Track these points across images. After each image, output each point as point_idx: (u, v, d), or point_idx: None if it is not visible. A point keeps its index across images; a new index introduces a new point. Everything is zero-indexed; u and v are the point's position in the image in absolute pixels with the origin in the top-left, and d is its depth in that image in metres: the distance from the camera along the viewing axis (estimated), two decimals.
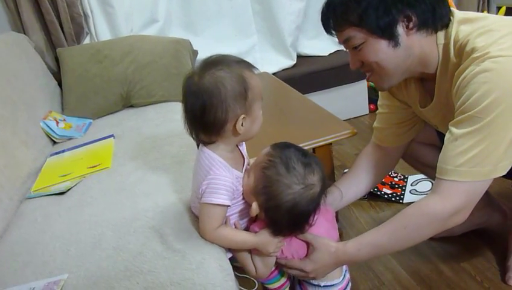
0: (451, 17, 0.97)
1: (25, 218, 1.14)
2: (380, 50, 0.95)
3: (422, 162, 1.39)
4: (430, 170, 1.42)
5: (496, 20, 0.95)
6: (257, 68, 0.90)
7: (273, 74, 2.36)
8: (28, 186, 1.32)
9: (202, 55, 2.18)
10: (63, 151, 1.55)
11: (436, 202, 0.93)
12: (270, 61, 2.48)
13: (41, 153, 1.52)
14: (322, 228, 0.99)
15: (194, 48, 2.12)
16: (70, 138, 1.69)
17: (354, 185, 1.26)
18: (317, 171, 0.89)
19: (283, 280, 1.06)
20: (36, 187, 1.31)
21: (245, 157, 0.97)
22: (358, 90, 2.55)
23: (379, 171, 1.28)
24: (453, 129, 0.93)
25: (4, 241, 1.06)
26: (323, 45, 2.58)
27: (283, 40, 2.49)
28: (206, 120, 0.85)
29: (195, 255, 0.89)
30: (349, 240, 1.00)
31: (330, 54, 2.58)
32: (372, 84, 2.55)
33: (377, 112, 1.30)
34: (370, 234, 1.00)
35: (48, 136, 1.65)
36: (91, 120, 1.84)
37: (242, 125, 0.86)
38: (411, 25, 0.94)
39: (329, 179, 1.48)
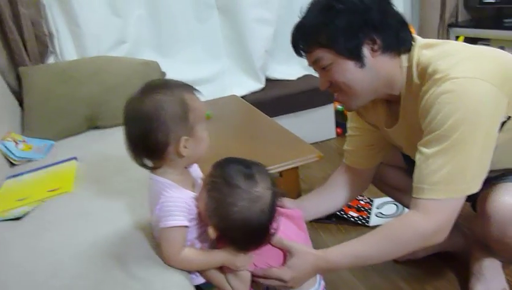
0: (414, 42, 1.03)
1: None
2: (348, 70, 0.99)
3: (388, 183, 1.42)
4: (395, 192, 1.46)
5: (455, 45, 1.01)
6: (199, 91, 0.92)
7: (242, 96, 2.38)
8: None
9: (171, 77, 2.17)
10: (22, 174, 1.49)
11: (419, 217, 0.96)
12: (240, 84, 2.50)
13: None
14: (290, 231, 0.99)
15: (163, 70, 2.11)
16: (30, 160, 1.62)
17: (326, 200, 1.28)
18: (261, 179, 0.87)
19: None
20: None
21: (197, 178, 0.97)
22: (326, 114, 2.59)
23: (351, 190, 1.30)
24: (423, 149, 0.96)
25: None
26: (292, 69, 2.63)
27: (252, 64, 2.52)
28: (148, 145, 0.85)
29: (158, 282, 0.86)
30: (329, 248, 1.01)
31: (299, 78, 2.63)
32: (340, 107, 2.61)
33: (347, 134, 1.33)
34: (353, 245, 1.01)
35: (6, 157, 1.58)
36: (53, 142, 1.78)
37: (185, 147, 0.86)
38: (376, 47, 0.99)
39: None
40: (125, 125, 0.87)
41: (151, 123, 0.83)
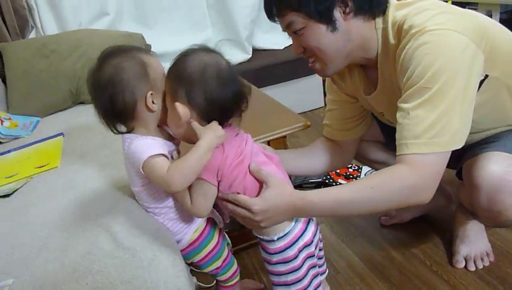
0: (388, 4, 1.02)
1: None
2: (320, 34, 0.98)
3: (370, 158, 1.44)
4: (378, 165, 1.47)
5: (430, 2, 1.00)
6: (154, 52, 0.95)
7: None
8: None
9: (155, 49, 2.14)
10: (9, 151, 1.48)
11: (406, 170, 0.91)
12: (225, 55, 2.43)
13: None
14: (269, 167, 0.96)
15: (147, 42, 2.08)
16: (16, 137, 1.61)
17: (305, 160, 1.28)
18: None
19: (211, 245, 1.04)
20: None
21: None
22: (313, 83, 2.58)
23: (331, 160, 1.30)
24: (403, 105, 0.94)
25: None
26: (279, 38, 2.60)
27: (238, 34, 2.48)
28: (117, 108, 0.88)
29: (146, 252, 0.88)
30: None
31: (285, 47, 2.60)
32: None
33: (326, 109, 1.33)
34: (335, 188, 0.96)
35: None
36: (39, 118, 1.76)
37: (153, 102, 0.90)
38: (348, 10, 0.97)
39: None
40: (93, 97, 0.91)
41: (115, 86, 0.87)
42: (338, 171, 1.85)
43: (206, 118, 0.89)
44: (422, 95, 0.91)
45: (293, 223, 0.97)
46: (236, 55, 2.49)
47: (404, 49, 0.95)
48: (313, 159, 1.29)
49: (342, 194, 0.93)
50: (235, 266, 1.13)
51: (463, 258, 1.32)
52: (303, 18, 0.97)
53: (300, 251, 0.97)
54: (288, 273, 0.98)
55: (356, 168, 1.90)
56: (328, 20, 0.97)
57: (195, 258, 1.03)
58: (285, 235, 0.96)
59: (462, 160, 1.14)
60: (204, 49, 0.91)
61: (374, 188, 0.92)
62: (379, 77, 1.09)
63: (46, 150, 1.44)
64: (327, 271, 1.15)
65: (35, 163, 1.34)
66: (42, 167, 1.31)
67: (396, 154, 0.95)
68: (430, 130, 0.91)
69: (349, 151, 1.33)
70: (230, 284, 1.11)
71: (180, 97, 0.88)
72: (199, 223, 1.03)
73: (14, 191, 1.19)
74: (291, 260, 0.97)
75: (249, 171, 0.94)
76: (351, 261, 1.41)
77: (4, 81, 1.84)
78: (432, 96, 0.90)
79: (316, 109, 2.61)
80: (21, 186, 1.21)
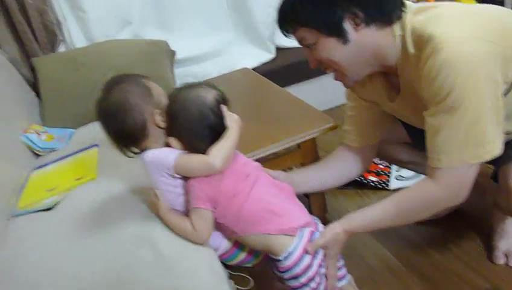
0: (404, 9, 0.99)
1: (14, 236, 1.13)
2: (331, 48, 0.98)
3: (400, 160, 1.43)
4: (410, 166, 1.46)
5: (448, 7, 0.98)
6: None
7: (253, 68, 2.36)
8: (13, 203, 1.30)
9: (180, 54, 2.17)
10: (46, 164, 1.53)
11: (434, 186, 0.98)
12: (249, 56, 2.47)
13: (24, 167, 1.50)
14: (278, 200, 1.01)
15: (172, 48, 2.11)
16: (53, 150, 1.66)
17: (316, 176, 1.28)
18: (205, 87, 0.97)
19: (243, 255, 1.07)
20: (22, 203, 1.29)
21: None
22: None
23: (352, 169, 1.29)
24: (432, 120, 0.96)
25: None
26: None
27: (260, 34, 2.48)
28: (128, 129, 0.95)
29: (187, 261, 0.91)
30: (352, 216, 1.06)
31: None
32: None
33: (346, 115, 1.32)
34: (370, 212, 1.06)
35: (30, 149, 1.63)
36: (73, 130, 1.81)
37: (162, 120, 0.96)
38: (358, 21, 0.96)
39: None
40: (103, 124, 0.98)
41: (125, 109, 0.94)
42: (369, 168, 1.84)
43: (195, 149, 0.95)
44: (450, 112, 0.91)
45: (295, 241, 0.98)
46: (259, 56, 2.49)
47: (426, 63, 0.93)
48: (332, 171, 1.28)
49: (379, 213, 1.05)
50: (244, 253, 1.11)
51: (503, 254, 1.30)
52: (313, 33, 0.98)
53: (307, 268, 0.98)
54: (301, 286, 0.99)
55: (386, 164, 1.88)
56: (338, 33, 0.96)
57: (236, 259, 1.06)
58: (289, 254, 0.97)
59: (496, 161, 1.12)
60: (192, 85, 0.98)
61: (407, 203, 1.03)
62: (401, 84, 1.07)
63: (82, 161, 1.48)
64: (347, 277, 1.12)
65: (73, 175, 1.39)
66: (80, 178, 1.35)
67: (428, 164, 0.99)
68: (461, 145, 0.93)
69: (366, 158, 1.31)
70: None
71: (172, 132, 0.96)
72: None
73: (57, 204, 1.23)
74: (300, 276, 0.98)
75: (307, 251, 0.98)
76: (386, 260, 1.41)
77: (38, 96, 1.91)
78: (459, 113, 0.91)
79: (342, 104, 2.58)
80: (62, 199, 1.26)
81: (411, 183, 1.70)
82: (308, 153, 1.44)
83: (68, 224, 1.11)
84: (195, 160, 0.93)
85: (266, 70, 2.28)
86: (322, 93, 2.49)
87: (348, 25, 0.96)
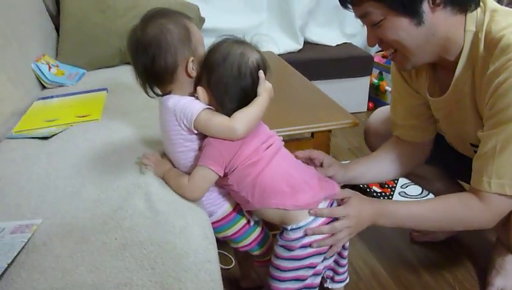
0: (483, 4, 0.92)
1: (3, 157, 1.07)
2: (401, 28, 0.89)
3: (415, 173, 1.35)
4: (419, 180, 1.40)
5: None
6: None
7: (278, 55, 2.31)
8: (9, 125, 1.25)
9: (208, 24, 2.11)
10: (52, 97, 1.48)
11: (482, 208, 0.94)
12: (277, 41, 2.42)
13: (28, 95, 1.44)
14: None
15: (202, 15, 2.05)
16: (61, 85, 1.61)
17: (376, 167, 1.21)
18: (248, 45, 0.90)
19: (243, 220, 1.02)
20: (19, 128, 1.24)
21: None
22: (360, 86, 2.51)
23: (406, 162, 1.21)
24: (490, 141, 0.90)
25: None
26: (332, 34, 2.53)
27: (292, 23, 2.42)
28: (157, 68, 0.87)
29: (179, 219, 0.84)
30: (385, 202, 1.06)
31: (338, 44, 2.53)
32: (376, 81, 2.52)
33: (391, 105, 1.24)
34: (409, 203, 1.01)
35: (38, 79, 1.57)
36: (85, 70, 1.76)
37: (193, 69, 0.89)
38: (438, 0, 0.87)
39: None
40: (133, 56, 0.89)
41: (159, 46, 0.86)
42: None
43: (221, 106, 0.89)
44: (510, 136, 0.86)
45: (310, 219, 0.93)
46: (286, 44, 2.44)
47: (498, 75, 0.86)
48: (384, 164, 1.21)
49: (415, 209, 1.00)
50: (270, 241, 1.08)
51: None
52: (383, 9, 0.88)
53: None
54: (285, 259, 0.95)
55: None
56: (413, 12, 0.87)
57: (227, 232, 1.01)
58: (298, 228, 0.93)
59: None
60: (238, 41, 0.90)
61: (446, 213, 0.99)
62: (452, 83, 0.99)
63: (89, 101, 1.43)
64: (347, 280, 1.09)
65: (76, 112, 1.33)
66: (83, 116, 1.30)
67: (475, 186, 0.94)
68: None
69: (423, 151, 1.23)
70: (266, 259, 1.07)
71: (203, 82, 0.89)
72: (232, 200, 1.00)
73: (53, 135, 1.18)
74: (294, 251, 0.93)
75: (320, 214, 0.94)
76: (375, 271, 1.35)
77: (57, 29, 1.85)
78: None
79: (358, 112, 2.54)
80: (60, 132, 1.20)
81: None
82: (320, 145, 1.38)
83: (61, 156, 1.06)
84: (219, 121, 0.87)
85: (290, 60, 2.21)
86: (340, 96, 2.41)
87: (426, 5, 0.87)
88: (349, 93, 2.49)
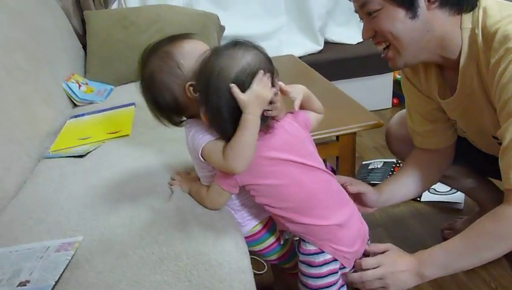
0: (478, 3, 0.92)
1: (42, 176, 1.13)
2: (396, 19, 0.91)
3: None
4: (445, 179, 1.38)
5: None
6: (193, 34, 0.94)
7: (299, 57, 2.32)
8: (46, 145, 1.31)
9: (229, 31, 2.14)
10: (83, 115, 1.54)
11: None
12: (296, 44, 2.44)
13: (61, 114, 1.51)
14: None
15: (222, 24, 2.08)
16: (91, 102, 1.67)
17: (403, 187, 1.20)
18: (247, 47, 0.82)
19: (272, 239, 1.02)
20: (55, 148, 1.30)
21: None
22: (383, 82, 2.49)
23: (432, 172, 1.20)
24: (507, 134, 0.87)
25: (20, 198, 1.06)
26: (352, 33, 2.52)
27: (312, 24, 2.43)
28: (163, 106, 0.90)
29: (211, 230, 0.87)
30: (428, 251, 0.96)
31: (358, 42, 2.52)
32: (399, 77, 2.49)
33: (407, 115, 1.23)
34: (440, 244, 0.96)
35: (69, 98, 1.64)
36: (112, 86, 1.82)
37: (195, 92, 0.86)
38: None
39: (350, 169, 1.45)
40: (143, 97, 0.93)
41: (155, 87, 0.89)
42: None
43: (219, 131, 0.84)
44: None
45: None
46: (307, 46, 2.44)
47: (499, 66, 0.86)
48: (411, 182, 1.19)
49: (450, 243, 0.94)
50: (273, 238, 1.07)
51: None
52: None
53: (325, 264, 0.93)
54: (309, 277, 0.94)
55: None
56: (410, 5, 0.89)
57: (255, 247, 1.02)
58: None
59: None
60: (224, 50, 0.82)
61: (478, 231, 0.91)
62: (459, 81, 0.99)
63: (118, 117, 1.48)
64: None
65: (107, 129, 1.38)
66: (114, 133, 1.35)
67: (506, 186, 0.90)
68: None
69: (446, 157, 1.21)
70: (296, 271, 1.08)
71: (201, 107, 0.84)
72: (262, 218, 1.01)
73: (88, 153, 1.23)
74: (315, 267, 0.93)
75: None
76: None
77: (84, 48, 1.92)
78: None
79: (383, 109, 2.52)
80: (94, 149, 1.25)
81: (443, 198, 1.64)
82: (346, 148, 1.39)
83: (96, 174, 1.10)
84: (215, 160, 0.84)
85: (311, 62, 2.22)
86: (363, 94, 2.41)
87: (422, 0, 0.90)
88: (373, 91, 2.48)
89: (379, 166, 1.85)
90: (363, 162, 1.94)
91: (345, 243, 0.92)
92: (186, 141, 0.93)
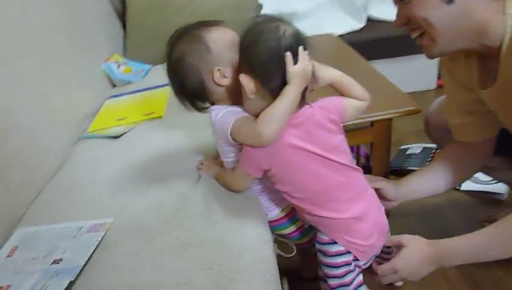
0: None
1: (78, 158, 1.19)
2: (431, 5, 0.84)
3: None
4: (491, 171, 1.31)
5: None
6: (222, 21, 0.93)
7: (339, 36, 2.24)
8: (84, 126, 1.36)
9: (268, 9, 2.10)
10: (122, 95, 1.58)
11: None
12: (337, 22, 2.35)
13: (100, 95, 1.56)
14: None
15: (259, 2, 2.04)
16: (129, 82, 1.71)
17: (431, 180, 1.15)
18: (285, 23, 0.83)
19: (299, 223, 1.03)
20: (93, 128, 1.35)
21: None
22: (428, 62, 2.33)
23: (467, 167, 1.15)
24: None
25: (57, 179, 1.11)
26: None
27: (353, 0, 2.33)
28: (189, 90, 0.90)
29: (235, 218, 0.89)
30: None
31: None
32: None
33: (446, 106, 1.16)
34: (469, 236, 0.95)
35: (108, 78, 1.68)
36: (150, 66, 1.85)
37: (224, 76, 0.88)
38: None
39: (384, 156, 1.41)
40: (168, 80, 0.94)
41: (182, 71, 0.89)
42: None
43: (266, 88, 0.83)
44: None
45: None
46: (348, 24, 2.35)
47: None
48: (440, 175, 1.14)
49: (477, 235, 0.93)
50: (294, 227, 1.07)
51: None
52: None
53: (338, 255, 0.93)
54: (326, 265, 0.95)
55: None
56: None
57: (284, 231, 1.03)
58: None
59: None
60: (270, 18, 0.84)
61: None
62: (500, 71, 0.92)
63: (154, 98, 1.51)
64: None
65: (142, 110, 1.41)
66: (149, 114, 1.38)
67: None
68: None
69: (483, 152, 1.14)
70: None
71: (244, 69, 0.84)
72: (287, 203, 1.00)
73: (122, 134, 1.27)
74: (330, 256, 0.93)
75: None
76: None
77: (124, 28, 1.95)
78: None
79: (426, 90, 2.41)
80: (128, 131, 1.29)
81: (485, 188, 1.57)
82: (381, 134, 1.34)
83: (129, 156, 1.14)
84: (246, 130, 0.84)
85: (353, 40, 2.14)
86: (406, 74, 2.32)
87: None
88: (417, 71, 2.37)
89: (417, 152, 1.78)
90: (401, 147, 1.88)
91: (361, 235, 0.91)
92: (212, 125, 0.93)
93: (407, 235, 0.98)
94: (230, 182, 0.96)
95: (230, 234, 0.84)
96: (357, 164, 1.53)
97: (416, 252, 0.96)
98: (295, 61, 0.81)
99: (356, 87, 0.96)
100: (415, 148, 1.82)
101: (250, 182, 0.95)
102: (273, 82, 0.83)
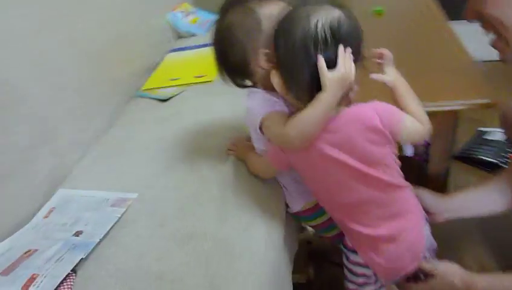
0: None
1: (124, 120, 1.24)
2: (509, 5, 0.71)
3: None
4: None
5: None
6: None
7: None
8: (141, 82, 1.41)
9: None
10: (182, 49, 1.58)
11: None
12: None
13: (162, 48, 1.58)
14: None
15: None
16: (193, 34, 1.70)
17: (487, 196, 1.00)
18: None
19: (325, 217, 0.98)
20: (146, 86, 1.39)
21: None
22: None
23: None
24: None
25: (100, 143, 1.16)
26: None
27: None
28: (230, 63, 0.86)
29: (247, 213, 0.88)
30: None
31: None
32: None
33: None
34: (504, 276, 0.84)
35: (174, 29, 1.68)
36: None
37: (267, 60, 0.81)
38: None
39: (444, 150, 1.26)
40: (212, 46, 0.88)
41: (228, 43, 0.84)
42: None
43: (292, 93, 0.77)
44: None
45: None
46: None
47: None
48: (500, 191, 0.98)
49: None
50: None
51: None
52: None
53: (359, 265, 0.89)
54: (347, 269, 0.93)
55: None
56: None
57: (310, 223, 1.01)
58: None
59: None
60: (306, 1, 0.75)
61: None
62: None
63: (208, 58, 1.48)
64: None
65: (195, 71, 1.41)
66: (200, 77, 1.38)
67: None
68: None
69: None
70: None
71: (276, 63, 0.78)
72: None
73: (170, 98, 1.29)
74: (351, 263, 0.91)
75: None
76: (486, 267, 1.20)
77: None
78: None
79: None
80: (177, 94, 1.30)
81: None
82: (442, 125, 1.19)
83: (168, 125, 1.16)
84: (274, 129, 0.80)
85: None
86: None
87: None
88: None
89: (497, 138, 1.57)
90: (479, 128, 1.66)
91: (387, 256, 0.83)
92: (246, 110, 0.90)
93: (442, 264, 0.87)
94: (257, 168, 0.95)
95: (237, 231, 0.84)
96: (415, 151, 1.42)
97: (445, 282, 0.86)
98: (331, 64, 0.71)
99: (414, 103, 0.82)
100: (496, 133, 1.60)
101: (275, 172, 0.94)
102: (299, 87, 0.75)
